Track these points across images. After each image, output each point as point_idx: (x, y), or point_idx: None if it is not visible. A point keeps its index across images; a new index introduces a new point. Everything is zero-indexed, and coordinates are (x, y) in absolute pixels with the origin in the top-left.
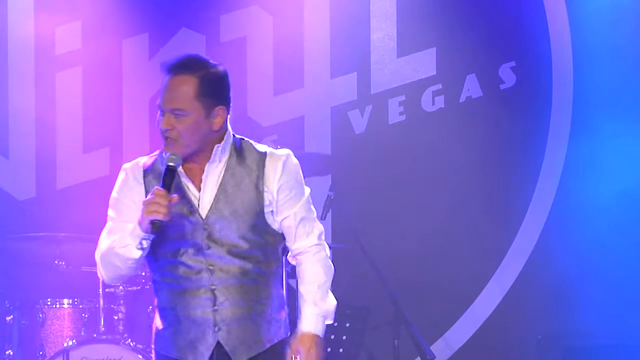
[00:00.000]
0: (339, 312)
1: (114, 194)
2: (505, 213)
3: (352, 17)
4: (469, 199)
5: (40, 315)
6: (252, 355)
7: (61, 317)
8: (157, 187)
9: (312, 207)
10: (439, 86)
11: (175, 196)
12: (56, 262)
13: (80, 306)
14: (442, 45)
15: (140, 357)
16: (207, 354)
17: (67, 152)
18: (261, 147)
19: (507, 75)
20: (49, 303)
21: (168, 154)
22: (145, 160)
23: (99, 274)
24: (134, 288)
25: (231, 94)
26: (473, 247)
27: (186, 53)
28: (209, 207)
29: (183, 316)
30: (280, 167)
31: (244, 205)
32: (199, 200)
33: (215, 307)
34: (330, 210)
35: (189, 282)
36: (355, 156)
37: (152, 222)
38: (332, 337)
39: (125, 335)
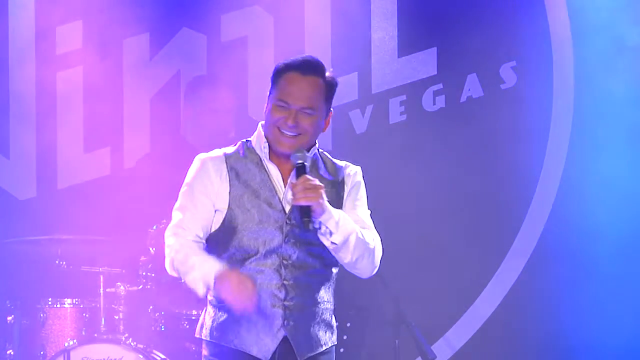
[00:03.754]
0: (339, 312)
1: (187, 181)
2: (506, 213)
3: (353, 16)
4: (470, 198)
5: (41, 315)
6: (312, 354)
7: (62, 317)
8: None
9: (373, 223)
10: (440, 86)
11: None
12: (57, 262)
13: (81, 306)
14: (442, 45)
15: (141, 357)
16: (273, 348)
17: (68, 152)
18: (336, 160)
19: (508, 75)
20: (49, 303)
21: (293, 153)
22: (224, 151)
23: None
24: (135, 288)
25: None
26: (474, 247)
27: (307, 55)
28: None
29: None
30: (354, 175)
31: None
32: (283, 194)
33: (286, 302)
34: None
35: (262, 275)
36: (356, 156)
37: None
38: None
39: (126, 335)
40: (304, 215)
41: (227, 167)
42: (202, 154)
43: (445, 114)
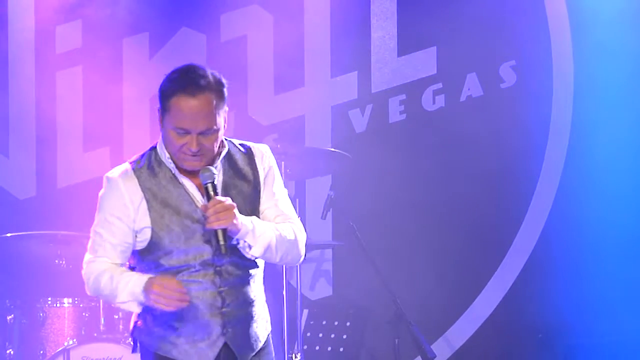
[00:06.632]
0: (339, 311)
1: (101, 203)
2: (506, 212)
3: (353, 16)
4: (470, 197)
5: (41, 314)
6: (253, 354)
7: (62, 316)
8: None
9: (291, 204)
10: (440, 85)
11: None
12: (56, 261)
13: (81, 305)
14: (442, 44)
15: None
16: (213, 356)
17: (67, 151)
18: (241, 146)
19: (507, 74)
20: (49, 302)
21: (201, 173)
22: (134, 168)
23: (86, 290)
24: None
25: None
26: (473, 246)
27: (185, 64)
28: None
29: (189, 319)
30: (264, 159)
31: (247, 209)
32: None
33: (224, 310)
34: (331, 210)
35: (197, 286)
36: (355, 155)
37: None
38: (332, 336)
39: (126, 334)
40: (221, 239)
41: (141, 188)
42: (111, 172)
43: (445, 113)
